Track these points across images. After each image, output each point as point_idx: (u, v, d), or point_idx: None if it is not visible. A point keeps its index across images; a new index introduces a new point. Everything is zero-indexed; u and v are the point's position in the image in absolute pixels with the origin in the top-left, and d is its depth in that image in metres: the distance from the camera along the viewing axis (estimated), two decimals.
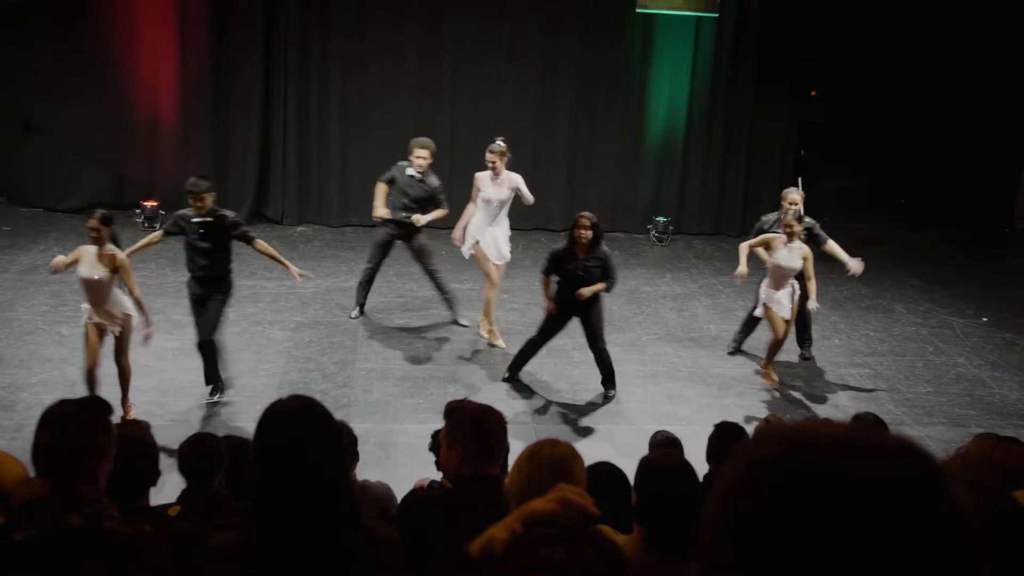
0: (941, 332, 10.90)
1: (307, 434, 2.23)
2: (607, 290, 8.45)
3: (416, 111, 13.82)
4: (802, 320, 9.58)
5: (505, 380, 8.88)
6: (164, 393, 8.31)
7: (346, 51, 13.68)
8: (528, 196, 9.77)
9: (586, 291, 8.26)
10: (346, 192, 13.92)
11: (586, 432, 8.02)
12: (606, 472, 4.26)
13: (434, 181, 9.90)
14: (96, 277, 7.37)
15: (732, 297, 11.59)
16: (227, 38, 13.55)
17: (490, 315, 9.78)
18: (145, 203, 13.39)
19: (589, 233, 8.22)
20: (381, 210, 9.82)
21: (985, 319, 11.34)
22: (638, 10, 13.80)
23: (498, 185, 9.60)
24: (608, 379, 8.78)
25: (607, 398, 8.74)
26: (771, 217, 9.56)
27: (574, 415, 8.44)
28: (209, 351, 8.17)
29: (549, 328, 8.68)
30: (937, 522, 0.91)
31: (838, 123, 14.68)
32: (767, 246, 8.99)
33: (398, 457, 7.41)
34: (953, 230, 14.89)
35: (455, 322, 10.26)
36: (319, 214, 14.05)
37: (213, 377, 8.24)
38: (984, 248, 14.71)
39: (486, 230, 9.68)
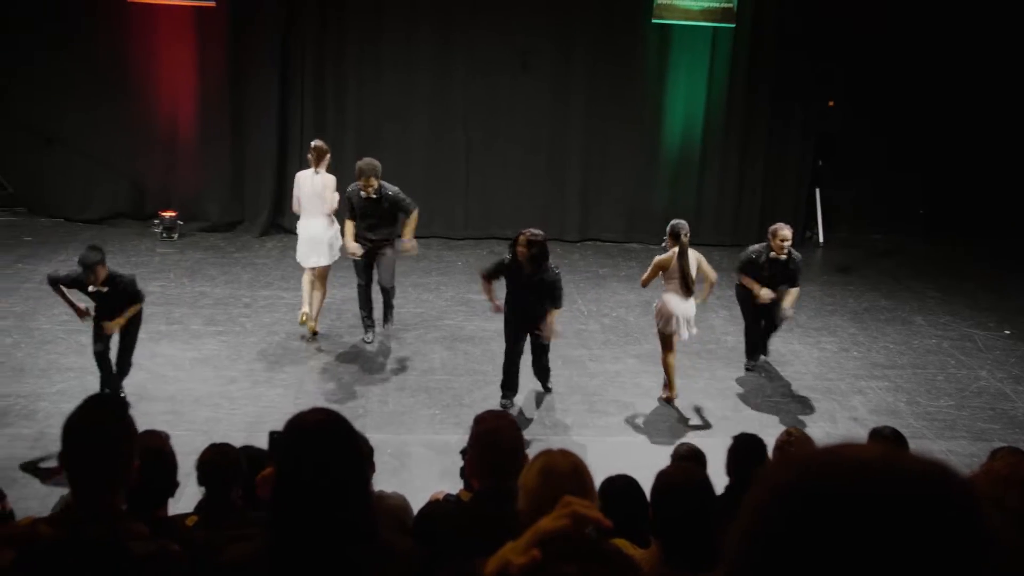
0: (962, 345, 10.82)
1: (328, 447, 2.22)
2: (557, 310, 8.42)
3: (430, 122, 13.86)
4: (771, 329, 9.66)
5: (505, 404, 8.53)
6: (181, 402, 8.33)
7: (361, 62, 13.73)
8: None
9: (548, 333, 8.36)
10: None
11: (602, 444, 7.99)
12: (623, 485, 4.24)
13: (391, 191, 9.54)
14: None
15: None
16: (244, 50, 13.63)
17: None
18: (163, 213, 13.47)
19: (524, 251, 8.07)
20: (352, 246, 9.53)
21: (1008, 332, 11.26)
22: (654, 20, 13.82)
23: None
24: (543, 379, 8.88)
25: (547, 390, 8.90)
26: (757, 248, 9.35)
27: (590, 427, 8.41)
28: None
29: (512, 338, 8.51)
30: (970, 548, 0.89)
31: (855, 133, 14.63)
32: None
33: (413, 468, 7.41)
34: (973, 241, 14.79)
35: (384, 326, 10.06)
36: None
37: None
38: (1005, 259, 14.61)
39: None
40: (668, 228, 8.77)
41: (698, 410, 8.84)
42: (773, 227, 9.25)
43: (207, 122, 13.91)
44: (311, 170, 9.87)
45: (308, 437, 2.24)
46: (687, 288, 8.57)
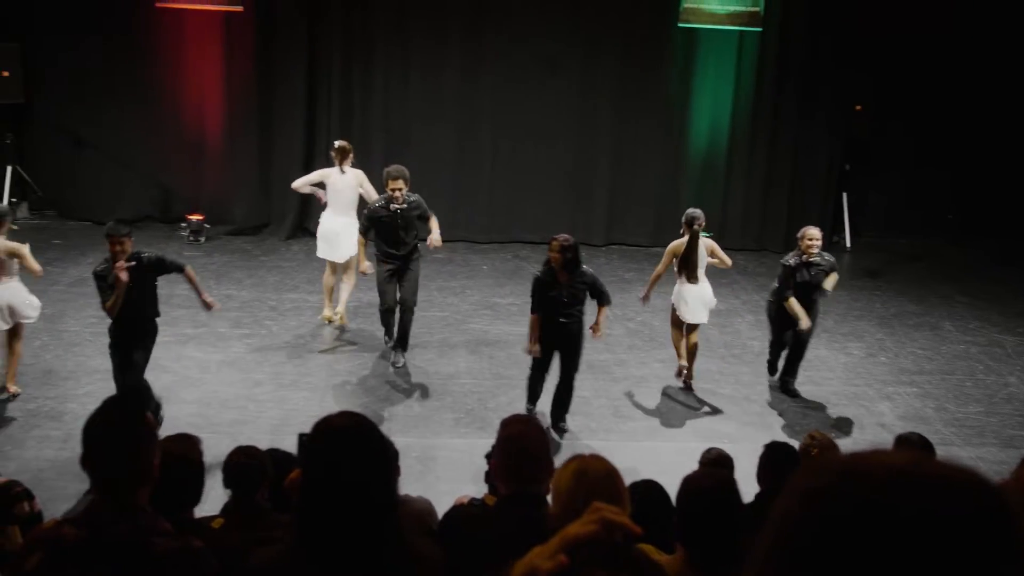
0: (991, 351, 10.72)
1: (355, 450, 2.22)
2: (608, 307, 8.22)
3: (457, 125, 13.88)
4: (800, 347, 9.22)
5: (530, 408, 8.34)
6: (208, 405, 8.38)
7: (388, 65, 13.78)
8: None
9: (600, 332, 8.16)
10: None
11: (628, 449, 7.95)
12: (649, 490, 4.22)
13: (414, 198, 9.37)
14: None
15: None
16: (272, 54, 13.71)
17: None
18: (191, 217, 13.57)
19: (559, 256, 7.81)
20: (365, 264, 9.51)
21: None
22: (680, 24, 13.79)
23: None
24: (563, 411, 8.32)
25: (561, 430, 8.25)
26: (790, 258, 9.06)
27: (615, 431, 8.39)
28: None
29: (540, 364, 8.20)
30: (1002, 557, 0.88)
31: (883, 137, 14.54)
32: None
33: (439, 471, 7.41)
34: (1002, 245, 14.65)
35: (393, 363, 9.51)
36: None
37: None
38: None
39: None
40: (684, 217, 9.08)
41: (722, 415, 8.80)
42: (801, 230, 9.19)
43: (234, 126, 14.01)
44: (336, 168, 10.11)
45: (335, 440, 2.25)
46: (691, 275, 8.90)
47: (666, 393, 9.21)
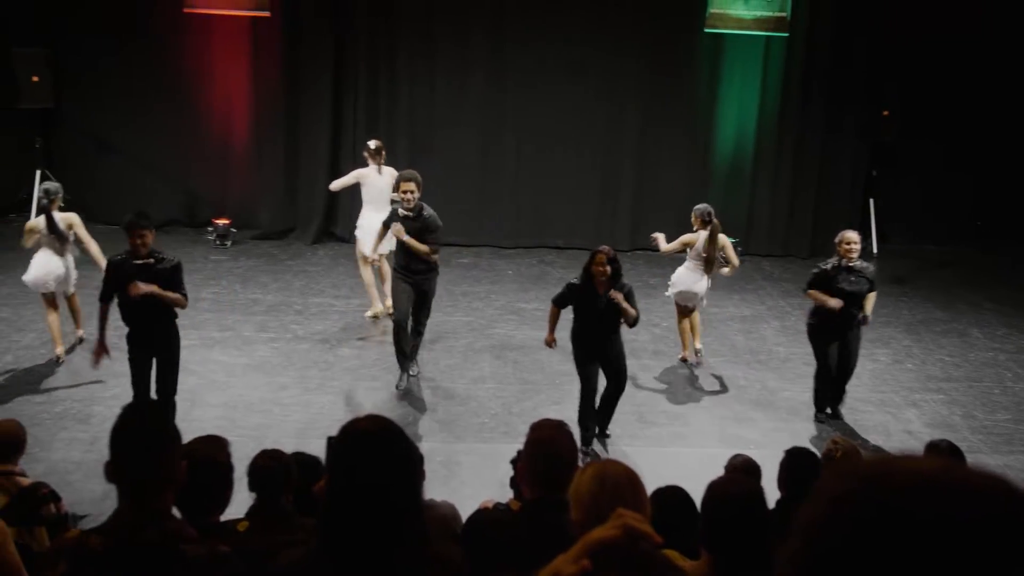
0: (1019, 357, 10.62)
1: (381, 454, 2.23)
2: (633, 321, 7.81)
3: (482, 130, 13.90)
4: (845, 374, 8.77)
5: (588, 442, 7.94)
6: (233, 408, 8.41)
7: (414, 71, 13.82)
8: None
9: (621, 303, 7.58)
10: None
11: (653, 455, 7.93)
12: (674, 496, 4.20)
13: (427, 212, 8.91)
14: None
15: (801, 319, 11.37)
16: (298, 59, 13.78)
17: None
18: (217, 221, 13.65)
19: (605, 269, 7.56)
20: (376, 253, 9.85)
21: None
22: (706, 30, 13.76)
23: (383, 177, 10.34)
24: (608, 418, 8.20)
25: (607, 435, 8.22)
26: (829, 261, 8.55)
27: (640, 437, 8.37)
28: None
29: (587, 373, 7.90)
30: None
31: (910, 143, 14.44)
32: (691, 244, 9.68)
33: (463, 476, 7.41)
34: None
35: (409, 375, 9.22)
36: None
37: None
38: None
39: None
40: (698, 212, 9.77)
41: (748, 421, 8.75)
42: (839, 234, 8.61)
43: (261, 130, 14.09)
44: (372, 168, 10.46)
45: (361, 443, 2.25)
46: (710, 268, 9.58)
47: (690, 399, 9.18)
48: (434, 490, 6.01)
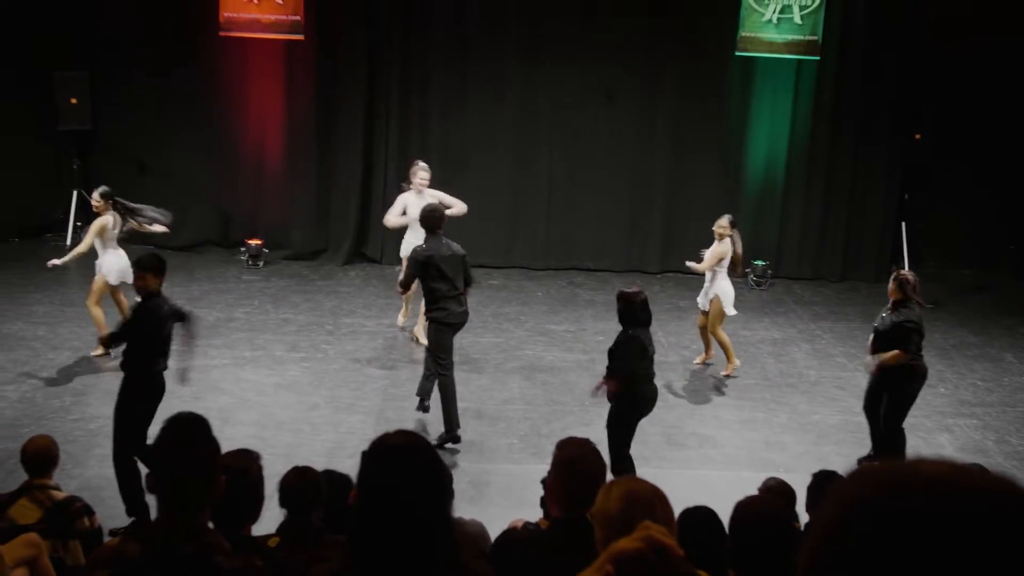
0: None
1: (411, 469, 2.25)
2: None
3: (514, 152, 13.96)
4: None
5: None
6: (264, 427, 8.47)
7: (446, 94, 13.92)
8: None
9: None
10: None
11: (681, 477, 7.90)
12: (702, 517, 4.20)
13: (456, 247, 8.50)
14: None
15: (831, 343, 11.37)
16: (331, 82, 13.92)
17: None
18: (250, 241, 13.77)
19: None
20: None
21: None
22: (738, 53, 13.78)
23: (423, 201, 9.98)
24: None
25: None
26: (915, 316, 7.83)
27: (669, 459, 8.34)
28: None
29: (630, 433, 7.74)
30: None
31: (943, 166, 14.36)
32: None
33: (491, 496, 7.42)
34: None
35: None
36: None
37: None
38: None
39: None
40: (726, 221, 10.17)
41: (777, 445, 8.71)
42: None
43: (294, 152, 14.24)
44: (412, 193, 10.44)
45: (391, 458, 2.28)
46: (737, 269, 10.32)
47: (720, 421, 9.15)
48: (462, 510, 6.02)
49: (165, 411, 8.22)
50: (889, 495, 0.93)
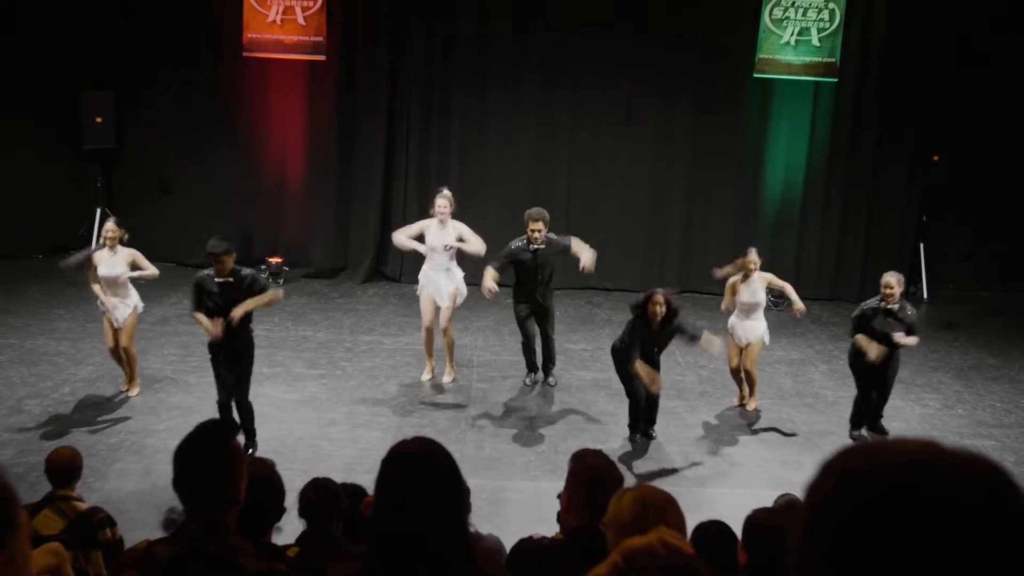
0: None
1: (428, 474, 2.30)
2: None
3: (533, 170, 14.05)
4: (882, 390, 9.16)
5: (637, 439, 8.96)
6: (283, 443, 8.53)
7: (466, 109, 14.03)
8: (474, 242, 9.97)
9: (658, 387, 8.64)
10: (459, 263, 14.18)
11: (698, 495, 7.92)
12: (716, 531, 4.22)
13: (554, 238, 10.00)
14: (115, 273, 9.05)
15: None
16: (352, 101, 14.06)
17: (429, 354, 10.25)
18: (270, 259, 13.89)
19: (661, 309, 8.50)
20: (491, 283, 9.68)
21: None
22: (756, 75, 13.84)
23: (444, 231, 9.89)
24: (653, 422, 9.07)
25: (651, 436, 9.02)
26: (870, 301, 9.03)
27: (685, 477, 8.36)
28: (247, 409, 8.32)
29: (637, 388, 8.79)
30: (1011, 534, 0.96)
31: (962, 188, 14.35)
32: (734, 291, 9.58)
33: (509, 514, 7.44)
34: None
35: (545, 382, 10.34)
36: (469, 271, 14.34)
37: (250, 433, 8.32)
38: None
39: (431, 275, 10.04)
40: (747, 256, 9.65)
41: (794, 463, 8.71)
42: (882, 276, 9.04)
43: (314, 171, 14.37)
44: (435, 220, 9.99)
45: (409, 463, 2.33)
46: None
47: (737, 441, 9.16)
48: (479, 526, 6.04)
49: (189, 425, 8.33)
50: (875, 468, 1.00)
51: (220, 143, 14.14)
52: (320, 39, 13.91)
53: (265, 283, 8.34)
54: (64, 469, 5.23)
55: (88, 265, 9.19)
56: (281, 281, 13.72)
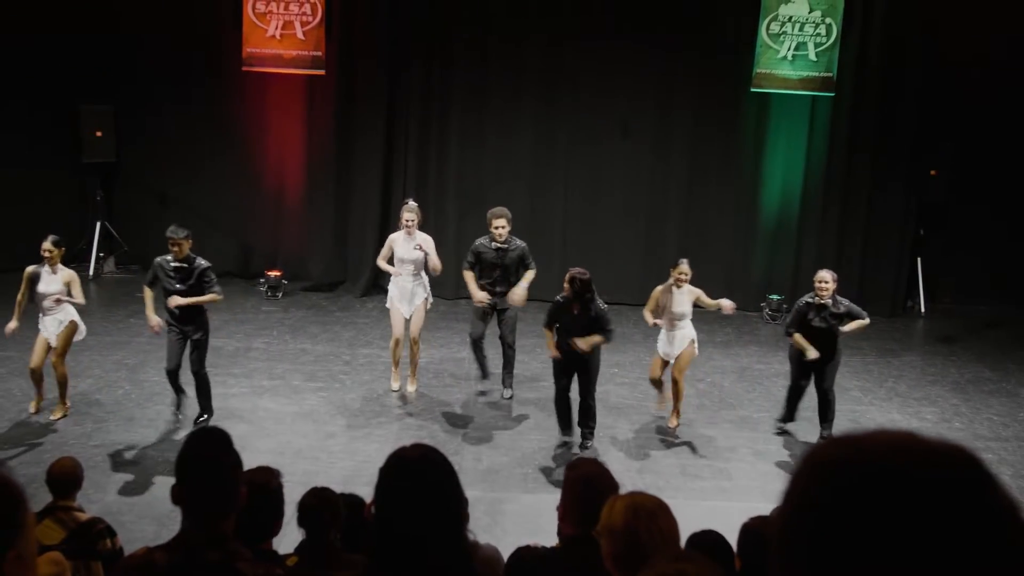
0: None
1: (426, 479, 2.34)
2: (605, 342, 8.71)
3: (530, 186, 14.10)
4: (823, 395, 9.36)
5: (567, 441, 9.08)
6: (281, 455, 8.54)
7: (464, 128, 14.09)
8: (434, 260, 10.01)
9: (582, 343, 8.56)
10: (461, 265, 14.22)
11: (695, 509, 7.93)
12: (711, 541, 4.25)
13: (519, 243, 10.07)
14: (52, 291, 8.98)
15: (846, 376, 11.36)
16: (351, 116, 14.13)
17: (395, 363, 10.31)
18: (269, 273, 13.93)
19: (568, 287, 8.62)
20: (480, 294, 9.93)
21: None
22: (753, 90, 13.90)
23: (411, 242, 10.00)
24: (584, 423, 9.02)
25: (583, 446, 8.97)
26: (804, 298, 9.35)
27: (683, 490, 8.37)
28: (203, 382, 9.08)
29: (558, 376, 8.94)
30: (988, 519, 0.99)
31: (960, 203, 14.41)
32: (658, 301, 9.53)
33: (506, 525, 7.46)
34: None
35: (502, 395, 10.30)
36: (434, 287, 14.31)
37: (206, 406, 9.14)
38: None
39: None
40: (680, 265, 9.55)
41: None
42: (816, 272, 9.43)
43: (313, 186, 14.43)
44: (402, 233, 10.06)
45: (407, 468, 2.37)
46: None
47: (735, 454, 9.19)
48: (477, 538, 6.08)
49: (178, 441, 8.36)
50: (856, 458, 1.03)
51: (219, 157, 14.21)
52: (319, 54, 13.98)
53: (212, 279, 8.98)
54: (65, 480, 5.26)
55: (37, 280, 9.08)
56: (280, 295, 13.76)
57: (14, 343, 11.11)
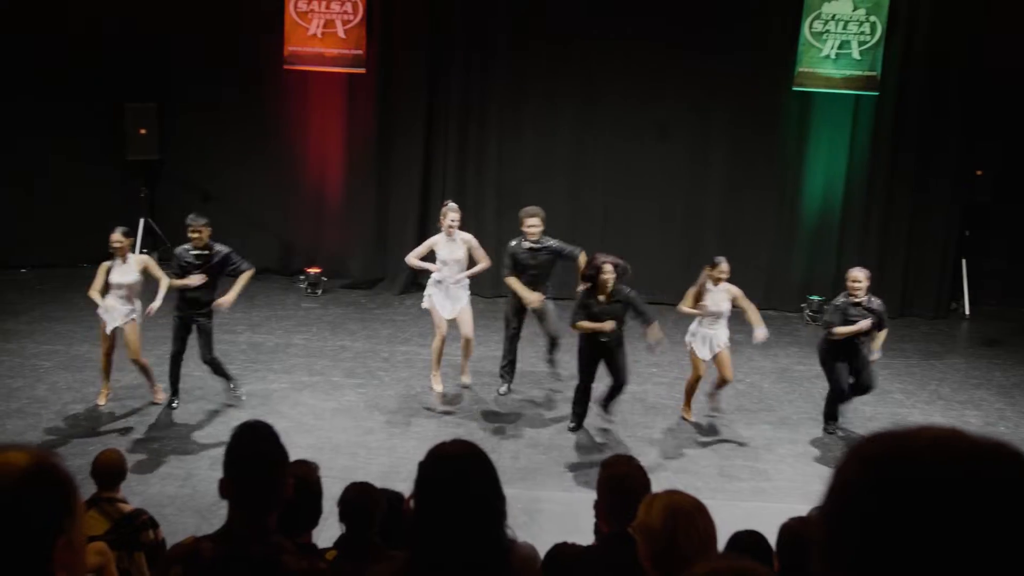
0: None
1: (468, 473, 2.35)
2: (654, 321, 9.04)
3: (568, 185, 14.08)
4: (865, 391, 9.52)
5: (572, 430, 9.31)
6: (320, 450, 8.59)
7: (503, 128, 14.10)
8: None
9: (656, 333, 8.96)
10: (500, 263, 14.22)
11: (734, 510, 7.89)
12: (751, 542, 4.24)
13: (552, 243, 10.07)
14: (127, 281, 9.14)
15: (888, 379, 11.26)
16: (391, 114, 14.20)
17: (438, 362, 10.29)
18: (309, 270, 14.03)
19: (610, 276, 8.77)
20: (533, 295, 9.92)
21: None
22: (795, 88, 13.79)
23: (453, 244, 10.00)
24: (611, 399, 9.28)
25: (608, 418, 9.36)
26: (839, 299, 9.56)
27: (722, 491, 8.34)
28: (216, 365, 9.47)
29: (587, 369, 9.10)
30: None
31: (1006, 203, 14.20)
32: (699, 296, 9.63)
33: (543, 523, 7.46)
34: None
35: (551, 364, 10.51)
36: (473, 285, 14.37)
37: (228, 376, 9.61)
38: None
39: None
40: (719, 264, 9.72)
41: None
42: (848, 271, 9.69)
43: (353, 183, 14.51)
44: (442, 235, 10.07)
45: (447, 463, 2.38)
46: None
47: (774, 455, 9.13)
48: (515, 536, 6.09)
49: (224, 432, 8.44)
50: (900, 454, 1.03)
51: (261, 155, 14.33)
52: (360, 52, 14.06)
53: (237, 260, 9.28)
54: (110, 471, 5.34)
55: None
56: (320, 292, 13.86)
57: (60, 337, 11.29)
